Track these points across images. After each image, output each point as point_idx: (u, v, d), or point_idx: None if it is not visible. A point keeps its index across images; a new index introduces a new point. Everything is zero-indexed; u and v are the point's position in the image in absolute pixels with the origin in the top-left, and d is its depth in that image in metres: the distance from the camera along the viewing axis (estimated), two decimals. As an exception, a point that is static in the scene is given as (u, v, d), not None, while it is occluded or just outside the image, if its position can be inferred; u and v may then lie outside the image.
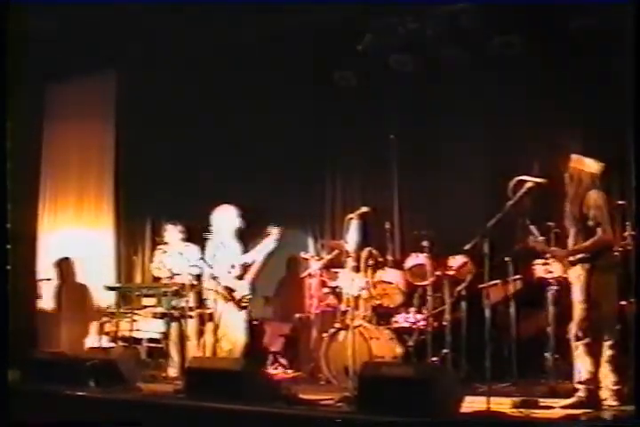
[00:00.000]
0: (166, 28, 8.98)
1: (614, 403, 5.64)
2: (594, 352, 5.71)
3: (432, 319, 7.47)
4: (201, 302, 7.92)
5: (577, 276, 5.79)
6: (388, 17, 8.34)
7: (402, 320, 7.70)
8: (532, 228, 6.09)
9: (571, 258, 5.85)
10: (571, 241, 5.90)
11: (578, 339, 5.78)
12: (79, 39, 9.19)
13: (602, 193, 5.88)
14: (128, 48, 9.43)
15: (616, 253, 6.27)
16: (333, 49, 8.60)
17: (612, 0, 7.01)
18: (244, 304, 7.51)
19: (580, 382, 5.79)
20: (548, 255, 6.16)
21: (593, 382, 5.67)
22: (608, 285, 5.83)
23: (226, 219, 7.63)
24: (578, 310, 5.78)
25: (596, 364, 5.70)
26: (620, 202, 6.88)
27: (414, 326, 7.60)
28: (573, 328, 5.84)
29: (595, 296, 5.72)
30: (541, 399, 5.84)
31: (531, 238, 6.05)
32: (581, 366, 5.79)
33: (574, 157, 6.02)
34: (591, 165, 5.97)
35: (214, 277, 7.56)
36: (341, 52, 8.63)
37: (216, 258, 7.61)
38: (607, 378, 5.76)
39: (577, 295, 5.79)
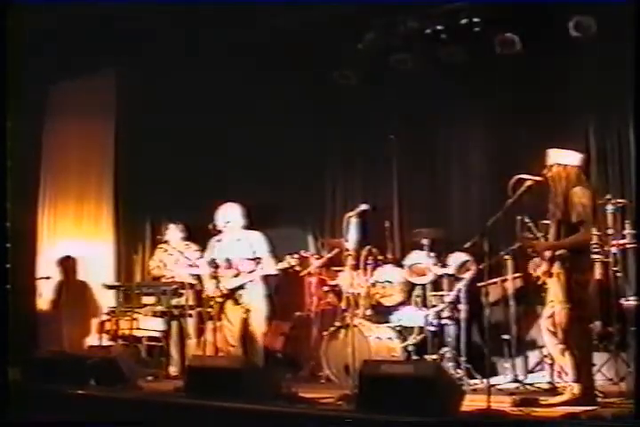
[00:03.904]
0: (166, 27, 8.98)
1: (606, 400, 5.67)
2: (575, 351, 5.72)
3: (432, 318, 7.46)
4: (200, 301, 7.92)
5: (556, 274, 5.79)
6: (388, 16, 8.34)
7: (401, 318, 7.71)
8: (531, 226, 6.10)
9: (549, 254, 5.84)
10: (551, 237, 5.90)
11: (558, 338, 5.81)
12: (79, 39, 9.18)
13: (587, 190, 5.87)
14: (128, 48, 9.42)
15: (595, 255, 6.30)
16: (334, 48, 8.61)
17: (612, 0, 7.02)
18: (243, 303, 7.49)
19: (565, 380, 5.83)
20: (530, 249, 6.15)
21: (579, 379, 5.68)
22: (587, 283, 5.84)
23: (230, 216, 7.62)
24: (557, 309, 5.78)
25: (580, 361, 5.70)
26: (608, 197, 6.91)
27: (414, 325, 7.61)
28: (552, 327, 5.86)
29: (574, 295, 5.71)
30: (542, 398, 5.86)
31: (524, 234, 6.07)
32: (566, 364, 5.82)
33: (553, 151, 6.00)
34: (572, 159, 5.97)
35: (214, 277, 7.54)
36: (342, 50, 8.63)
37: (216, 256, 7.59)
38: (595, 375, 5.80)
39: (557, 294, 5.79)
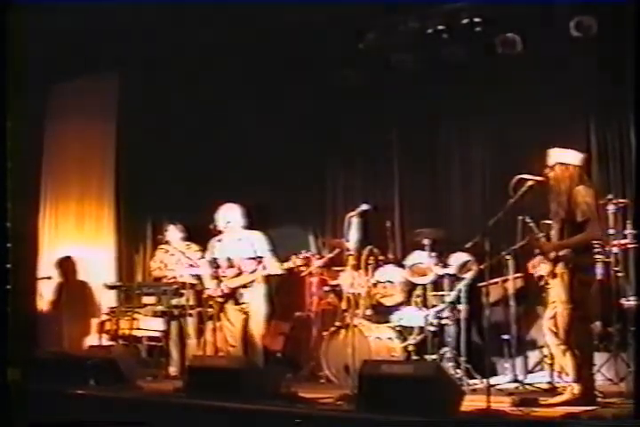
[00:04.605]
0: (167, 27, 8.97)
1: (606, 400, 5.68)
2: (576, 351, 5.72)
3: (432, 318, 7.46)
4: (201, 301, 7.92)
5: (560, 274, 5.78)
6: (388, 16, 8.34)
7: (402, 318, 7.70)
8: (533, 226, 6.09)
9: (553, 254, 5.83)
10: (555, 237, 5.90)
11: (560, 338, 5.81)
12: (80, 39, 9.18)
13: (590, 189, 5.87)
14: (129, 48, 9.41)
15: (597, 255, 6.30)
16: (334, 48, 8.61)
17: (612, 0, 7.02)
18: (243, 303, 7.49)
19: (565, 380, 5.84)
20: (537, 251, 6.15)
21: (579, 379, 5.68)
22: (590, 283, 5.84)
23: (230, 217, 7.61)
24: (560, 309, 5.78)
25: (581, 361, 5.70)
26: (609, 197, 6.92)
27: (414, 325, 7.60)
28: (553, 327, 5.86)
29: (577, 295, 5.71)
30: (541, 398, 5.85)
31: (532, 235, 6.07)
32: (567, 364, 5.82)
33: (555, 150, 6.00)
34: (574, 158, 5.96)
35: (216, 277, 7.54)
36: (342, 50, 8.63)
37: (217, 256, 7.59)
38: (595, 375, 5.81)
39: (560, 294, 5.78)
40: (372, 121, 9.01)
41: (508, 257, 6.96)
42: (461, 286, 7.41)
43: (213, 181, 9.48)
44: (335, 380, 7.40)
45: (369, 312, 7.80)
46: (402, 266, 7.92)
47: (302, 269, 7.79)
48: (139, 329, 8.42)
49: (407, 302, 7.83)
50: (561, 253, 5.78)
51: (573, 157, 5.97)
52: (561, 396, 5.79)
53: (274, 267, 7.44)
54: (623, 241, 6.87)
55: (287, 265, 7.44)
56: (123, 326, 8.39)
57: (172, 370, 8.29)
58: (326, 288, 8.25)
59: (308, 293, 8.36)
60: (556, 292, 5.83)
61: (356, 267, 7.41)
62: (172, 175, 9.82)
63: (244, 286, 7.45)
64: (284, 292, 8.45)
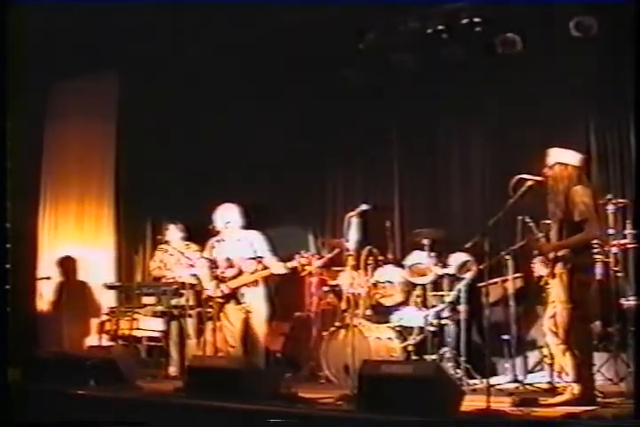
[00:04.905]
0: (167, 27, 8.98)
1: (606, 400, 5.68)
2: (576, 351, 5.72)
3: (432, 318, 7.46)
4: (200, 301, 7.91)
5: (559, 274, 5.78)
6: (389, 16, 8.34)
7: (402, 318, 7.70)
8: (532, 226, 6.10)
9: (552, 254, 5.82)
10: (554, 237, 5.89)
11: (559, 338, 5.81)
12: (80, 39, 9.18)
13: (588, 189, 5.87)
14: (129, 48, 9.42)
15: (597, 254, 6.30)
16: (335, 48, 8.60)
17: (612, 0, 7.02)
18: (243, 303, 7.50)
19: (565, 380, 5.84)
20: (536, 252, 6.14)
21: (579, 379, 5.68)
22: (589, 283, 5.84)
23: (229, 217, 7.61)
24: (559, 309, 5.77)
25: (581, 361, 5.69)
26: (609, 197, 6.92)
27: (414, 325, 7.60)
28: (553, 327, 5.86)
29: (576, 295, 5.71)
30: (541, 398, 5.85)
31: (530, 235, 6.08)
32: (567, 364, 5.82)
33: (554, 150, 6.00)
34: (573, 158, 5.96)
35: (215, 277, 7.54)
36: (343, 50, 8.63)
37: (217, 256, 7.59)
38: (595, 375, 5.82)
39: (559, 294, 5.78)
40: (371, 121, 9.01)
41: (507, 257, 6.96)
42: (461, 286, 7.41)
43: (213, 181, 9.48)
44: (335, 380, 7.40)
45: (369, 312, 7.80)
46: (401, 266, 7.91)
47: (306, 268, 7.78)
48: (138, 329, 8.42)
49: (407, 302, 7.82)
50: (560, 253, 5.78)
51: (572, 157, 5.97)
52: (561, 396, 5.80)
53: (277, 266, 7.45)
54: (623, 241, 6.87)
55: (291, 264, 7.44)
56: (122, 326, 8.39)
57: (172, 370, 8.29)
58: (326, 288, 8.25)
59: (307, 293, 8.35)
60: (556, 292, 5.83)
61: (356, 267, 7.40)
62: (172, 175, 9.81)
63: (245, 286, 7.46)
64: (283, 292, 8.43)
